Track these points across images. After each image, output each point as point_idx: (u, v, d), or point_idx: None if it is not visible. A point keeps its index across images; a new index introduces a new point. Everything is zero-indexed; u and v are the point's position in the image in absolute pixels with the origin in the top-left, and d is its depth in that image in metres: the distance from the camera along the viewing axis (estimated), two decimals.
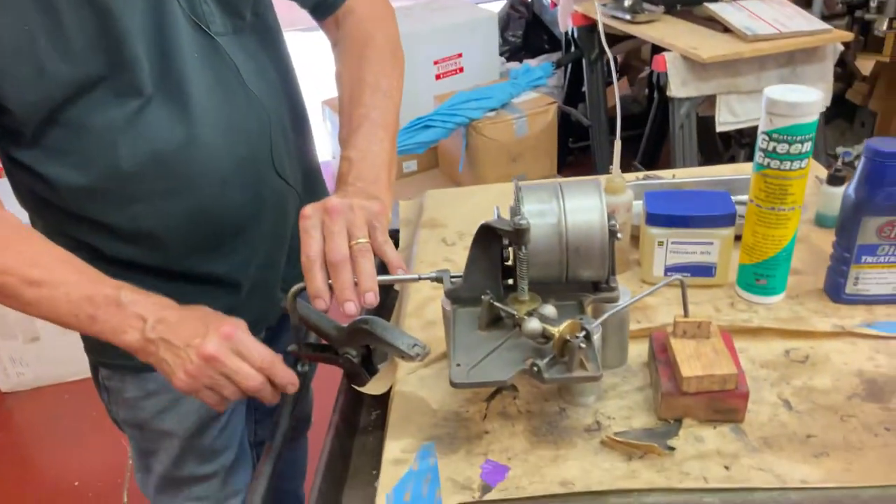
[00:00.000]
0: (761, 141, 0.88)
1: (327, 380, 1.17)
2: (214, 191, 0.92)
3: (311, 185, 1.10)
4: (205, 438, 1.06)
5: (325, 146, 3.72)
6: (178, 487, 1.10)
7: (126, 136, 0.84)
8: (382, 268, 0.81)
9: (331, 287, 0.77)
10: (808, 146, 0.86)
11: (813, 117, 0.85)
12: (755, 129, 0.89)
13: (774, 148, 0.87)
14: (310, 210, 0.79)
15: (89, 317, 0.79)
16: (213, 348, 0.78)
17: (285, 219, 1.03)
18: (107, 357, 1.01)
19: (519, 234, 0.74)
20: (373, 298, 0.76)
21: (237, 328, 0.80)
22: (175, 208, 0.91)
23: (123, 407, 1.04)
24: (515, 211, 0.77)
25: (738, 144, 2.90)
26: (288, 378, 0.83)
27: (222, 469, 1.10)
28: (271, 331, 1.15)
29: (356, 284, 0.76)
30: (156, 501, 1.14)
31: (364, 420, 1.05)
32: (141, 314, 0.79)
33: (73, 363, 2.33)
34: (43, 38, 0.77)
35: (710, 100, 2.37)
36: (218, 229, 0.95)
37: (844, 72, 2.98)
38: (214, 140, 0.89)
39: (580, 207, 0.78)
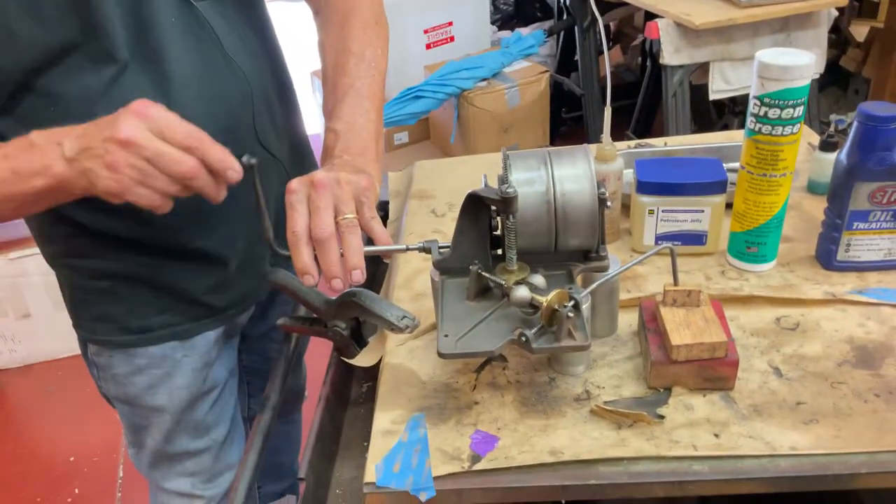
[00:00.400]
0: (753, 106, 0.87)
1: (318, 353, 1.17)
2: None
3: (299, 159, 1.08)
4: (196, 413, 1.06)
5: (314, 118, 3.68)
6: (170, 463, 1.10)
7: (103, 105, 0.82)
8: (370, 244, 0.80)
9: (318, 261, 0.76)
10: (800, 111, 0.85)
11: (805, 81, 0.83)
12: (748, 97, 0.88)
13: (766, 113, 0.85)
14: (296, 184, 0.77)
15: (13, 173, 0.73)
16: (127, 131, 0.69)
17: (271, 192, 1.01)
18: (95, 333, 1.00)
19: (506, 203, 0.73)
20: (360, 276, 0.75)
21: (150, 104, 0.71)
22: None
23: (113, 383, 1.03)
24: (503, 179, 0.76)
25: (732, 113, 2.89)
26: (223, 158, 0.73)
27: (215, 444, 1.10)
28: (261, 305, 1.14)
29: (344, 259, 0.75)
30: (149, 477, 1.14)
31: (355, 392, 1.05)
32: (56, 140, 0.73)
33: (65, 339, 2.32)
34: (12, 2, 0.75)
35: (704, 68, 2.35)
36: (202, 202, 0.93)
37: (839, 38, 2.95)
38: (194, 108, 0.87)
39: (569, 175, 0.77)
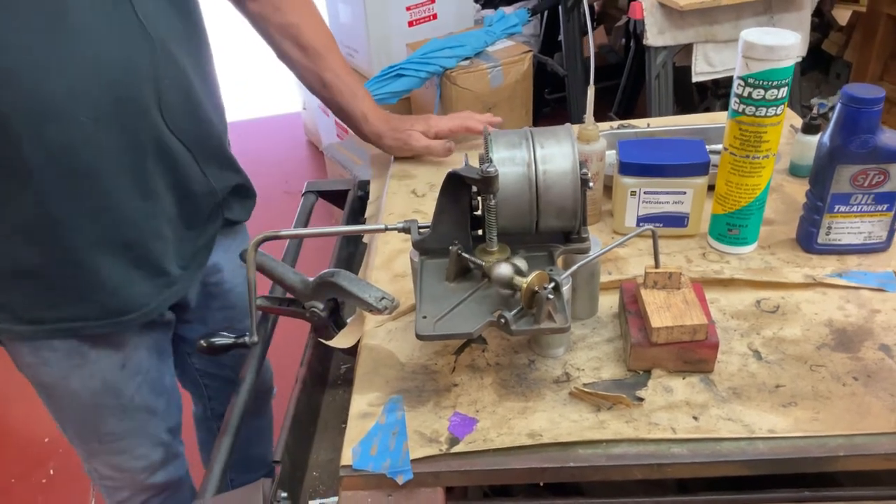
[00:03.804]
0: (737, 86, 0.86)
1: (294, 336, 1.15)
2: (86, 128, 0.82)
3: (212, 152, 1.00)
4: (121, 397, 1.03)
5: (295, 96, 3.64)
6: (100, 444, 1.08)
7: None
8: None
9: None
10: (784, 92, 0.84)
11: (790, 61, 0.82)
12: (731, 79, 0.87)
13: (750, 93, 0.84)
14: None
15: None
16: None
17: (171, 181, 0.94)
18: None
19: (487, 183, 0.72)
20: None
21: None
22: (41, 140, 0.81)
23: (27, 369, 1.00)
24: (484, 158, 0.75)
25: (714, 95, 2.88)
26: None
27: (145, 423, 1.09)
28: (198, 311, 1.12)
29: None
30: (86, 461, 1.13)
31: (333, 374, 1.04)
32: None
33: None
34: None
35: (687, 49, 2.34)
36: (89, 174, 0.85)
37: (821, 22, 2.96)
38: (86, 65, 0.80)
39: (551, 155, 0.75)
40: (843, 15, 2.88)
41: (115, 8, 0.82)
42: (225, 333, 0.91)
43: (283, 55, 1.16)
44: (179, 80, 0.90)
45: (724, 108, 2.55)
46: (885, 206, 0.90)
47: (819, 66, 3.05)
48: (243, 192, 1.11)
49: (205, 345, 0.90)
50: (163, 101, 0.88)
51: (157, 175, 0.92)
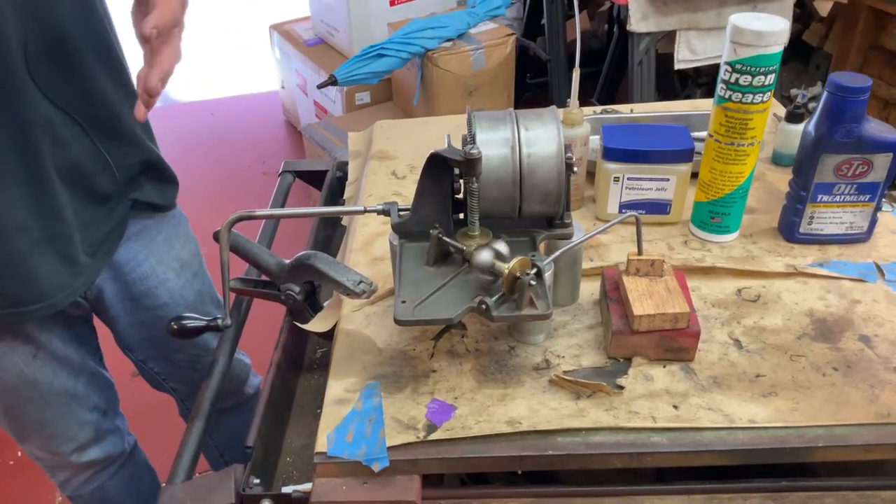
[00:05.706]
0: (724, 72, 0.85)
1: (269, 317, 1.13)
2: None
3: (110, 125, 0.92)
4: (38, 387, 1.01)
5: (273, 74, 3.58)
6: (30, 432, 1.07)
7: None
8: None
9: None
10: (771, 79, 0.83)
11: (778, 48, 0.81)
12: (713, 68, 0.87)
13: (737, 80, 0.83)
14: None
15: None
16: None
17: (59, 154, 0.86)
18: None
19: (470, 165, 0.70)
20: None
21: None
22: None
23: None
24: (467, 139, 0.73)
25: (696, 84, 2.88)
26: None
27: (68, 407, 1.07)
28: (108, 312, 1.07)
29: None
30: (20, 444, 1.12)
31: (309, 358, 1.02)
32: None
33: None
34: None
35: (670, 36, 2.33)
36: None
37: (803, 13, 2.96)
38: None
39: (537, 138, 0.74)
40: (824, 6, 2.88)
41: None
42: (196, 315, 0.89)
43: None
44: (54, 45, 0.82)
45: (705, 96, 2.56)
46: (868, 196, 0.90)
47: (799, 57, 3.06)
48: (155, 172, 1.02)
49: (175, 327, 0.87)
50: (31, 63, 0.80)
51: (44, 148, 0.84)
